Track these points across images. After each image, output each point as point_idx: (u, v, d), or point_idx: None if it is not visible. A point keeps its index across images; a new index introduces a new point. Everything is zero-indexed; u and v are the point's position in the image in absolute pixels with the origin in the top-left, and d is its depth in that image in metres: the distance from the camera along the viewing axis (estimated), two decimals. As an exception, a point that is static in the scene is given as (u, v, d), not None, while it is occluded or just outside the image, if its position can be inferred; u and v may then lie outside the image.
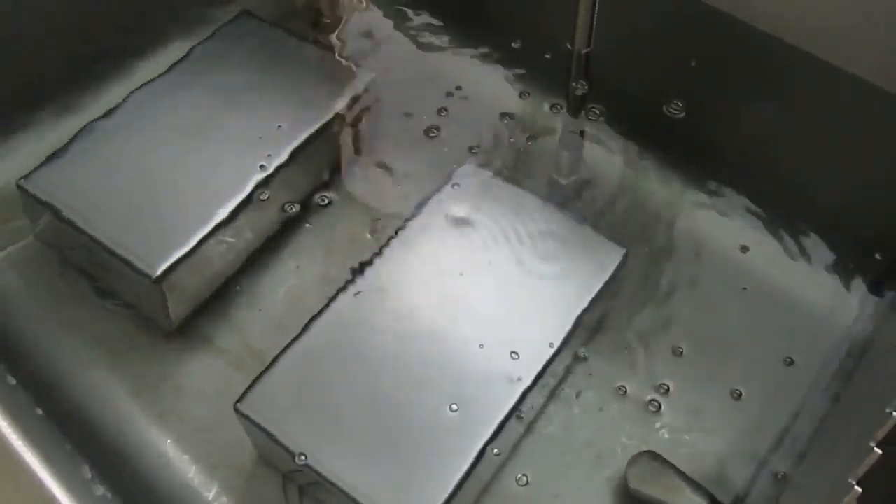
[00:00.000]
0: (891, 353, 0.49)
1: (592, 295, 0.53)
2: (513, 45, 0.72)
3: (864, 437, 0.37)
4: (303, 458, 0.47)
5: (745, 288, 0.59)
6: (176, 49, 0.69)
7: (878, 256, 0.60)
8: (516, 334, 0.52)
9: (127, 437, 0.54)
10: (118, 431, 0.54)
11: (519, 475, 0.52)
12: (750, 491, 0.51)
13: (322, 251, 0.62)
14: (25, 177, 0.59)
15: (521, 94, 0.70)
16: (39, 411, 0.43)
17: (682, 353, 0.57)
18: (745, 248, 0.61)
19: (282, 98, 0.63)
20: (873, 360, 0.52)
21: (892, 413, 0.37)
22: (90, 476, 0.41)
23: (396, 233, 0.56)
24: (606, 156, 0.66)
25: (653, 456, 0.51)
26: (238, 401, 0.49)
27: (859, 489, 0.35)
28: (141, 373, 0.57)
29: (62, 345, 0.58)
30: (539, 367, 0.51)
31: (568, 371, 0.55)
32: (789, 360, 0.56)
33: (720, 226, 0.63)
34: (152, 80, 0.64)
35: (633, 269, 0.59)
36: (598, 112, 0.68)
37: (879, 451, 0.35)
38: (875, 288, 0.59)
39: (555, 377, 0.54)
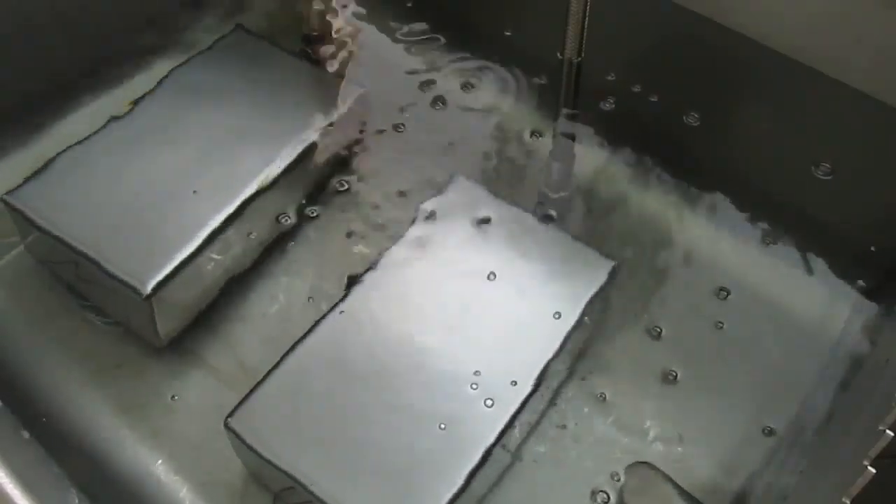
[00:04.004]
0: (884, 368, 0.49)
1: (581, 308, 0.53)
2: (503, 56, 0.72)
3: (858, 455, 0.37)
4: (293, 477, 0.47)
5: (738, 300, 0.59)
6: (168, 64, 0.69)
7: (873, 267, 0.60)
8: (505, 350, 0.52)
9: (115, 457, 0.53)
10: (106, 451, 0.53)
11: (512, 490, 0.52)
12: (744, 505, 0.51)
13: (312, 266, 0.62)
14: (11, 191, 0.58)
15: (512, 106, 0.70)
16: (26, 434, 0.43)
17: (675, 366, 0.56)
18: (737, 260, 0.61)
19: (272, 113, 0.63)
20: (867, 376, 0.52)
21: (884, 430, 0.36)
22: (77, 502, 0.41)
23: (386, 248, 0.56)
24: (597, 168, 0.66)
25: (647, 467, 0.51)
26: (227, 418, 0.49)
27: (853, 508, 0.35)
28: (130, 390, 0.56)
29: (50, 362, 0.57)
30: (530, 382, 0.50)
31: (560, 384, 0.55)
32: (783, 372, 0.56)
33: (713, 237, 0.62)
34: (143, 95, 0.64)
35: (624, 282, 0.59)
36: (588, 122, 0.68)
37: (873, 470, 0.35)
38: (869, 300, 0.59)
39: (546, 391, 0.54)
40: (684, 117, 0.67)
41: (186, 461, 0.53)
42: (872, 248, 0.61)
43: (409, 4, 0.76)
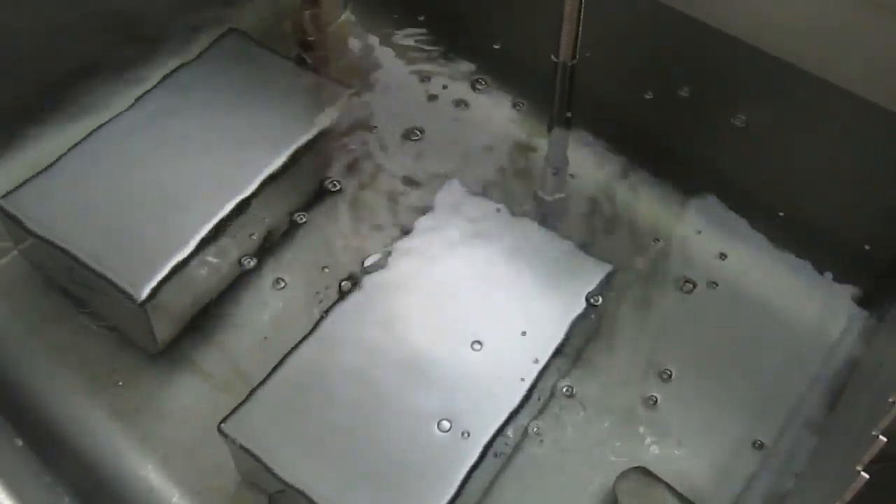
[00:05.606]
0: (877, 372, 0.49)
1: (576, 313, 0.53)
2: (499, 60, 0.72)
3: (851, 461, 0.37)
4: (287, 482, 0.47)
5: (733, 305, 0.59)
6: (163, 67, 0.69)
7: (868, 271, 0.60)
8: (501, 354, 0.52)
9: (108, 463, 0.53)
10: (99, 457, 0.53)
11: (508, 495, 0.52)
12: (740, 508, 0.51)
13: (307, 270, 0.61)
14: (5, 196, 0.58)
15: (507, 110, 0.70)
16: (19, 442, 0.42)
17: (670, 369, 0.56)
18: (732, 264, 0.61)
19: (266, 117, 0.63)
20: (861, 380, 0.52)
21: (877, 435, 0.36)
22: (69, 510, 0.41)
23: (380, 252, 0.56)
24: (593, 172, 0.66)
25: (643, 472, 0.51)
26: (222, 422, 0.49)
27: (847, 515, 0.35)
28: (124, 396, 0.56)
29: (43, 369, 0.57)
30: (525, 387, 0.51)
31: (554, 389, 0.55)
32: (779, 376, 0.56)
33: (708, 241, 0.62)
34: (138, 98, 0.63)
35: (620, 286, 0.59)
36: (583, 125, 0.68)
37: (866, 475, 0.35)
38: (863, 304, 0.59)
39: (541, 396, 0.54)
40: (679, 120, 0.67)
41: (180, 467, 0.53)
42: (868, 252, 0.61)
43: (421, 18, 0.76)
